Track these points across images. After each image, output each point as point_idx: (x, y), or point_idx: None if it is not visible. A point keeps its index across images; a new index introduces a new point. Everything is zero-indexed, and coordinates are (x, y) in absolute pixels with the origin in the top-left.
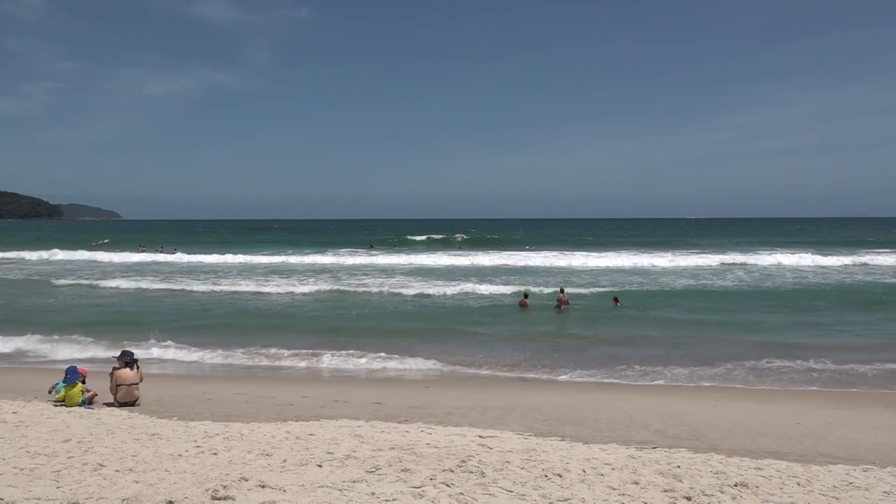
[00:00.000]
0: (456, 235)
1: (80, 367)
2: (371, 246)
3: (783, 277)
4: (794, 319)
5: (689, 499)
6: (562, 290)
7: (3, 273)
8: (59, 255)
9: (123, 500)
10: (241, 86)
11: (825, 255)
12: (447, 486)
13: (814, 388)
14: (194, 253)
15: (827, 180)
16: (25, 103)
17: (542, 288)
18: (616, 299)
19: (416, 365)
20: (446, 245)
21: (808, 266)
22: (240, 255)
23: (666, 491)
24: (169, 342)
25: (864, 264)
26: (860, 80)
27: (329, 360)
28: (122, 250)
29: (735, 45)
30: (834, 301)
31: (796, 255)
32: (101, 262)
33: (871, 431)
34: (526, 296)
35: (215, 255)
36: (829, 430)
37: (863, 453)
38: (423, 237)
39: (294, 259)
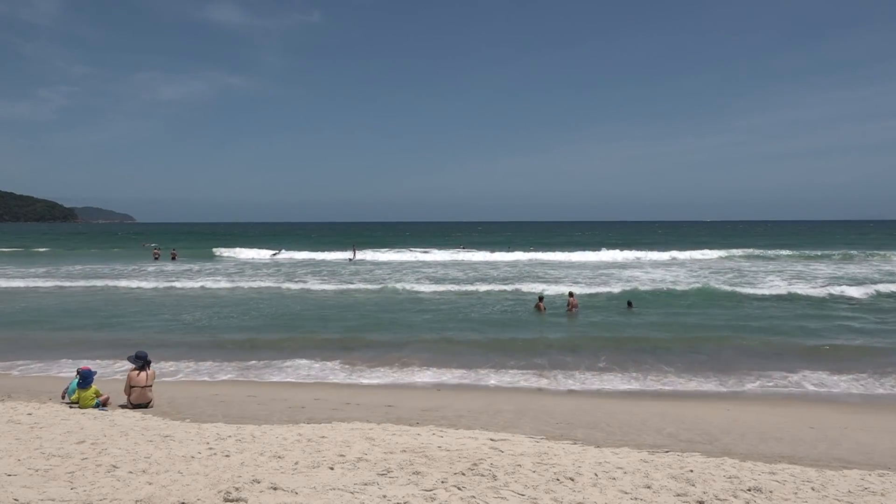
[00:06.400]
0: None
1: (82, 365)
2: None
3: None
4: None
5: (702, 503)
6: (571, 295)
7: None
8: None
9: (137, 501)
10: (254, 89)
11: None
12: (459, 489)
13: (825, 393)
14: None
15: (841, 182)
16: (41, 107)
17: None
18: (630, 303)
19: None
20: None
21: None
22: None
23: (679, 495)
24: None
25: None
26: (875, 81)
27: None
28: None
29: (750, 47)
30: None
31: None
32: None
33: (886, 436)
34: (541, 299)
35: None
36: (844, 434)
37: (878, 458)
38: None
39: None
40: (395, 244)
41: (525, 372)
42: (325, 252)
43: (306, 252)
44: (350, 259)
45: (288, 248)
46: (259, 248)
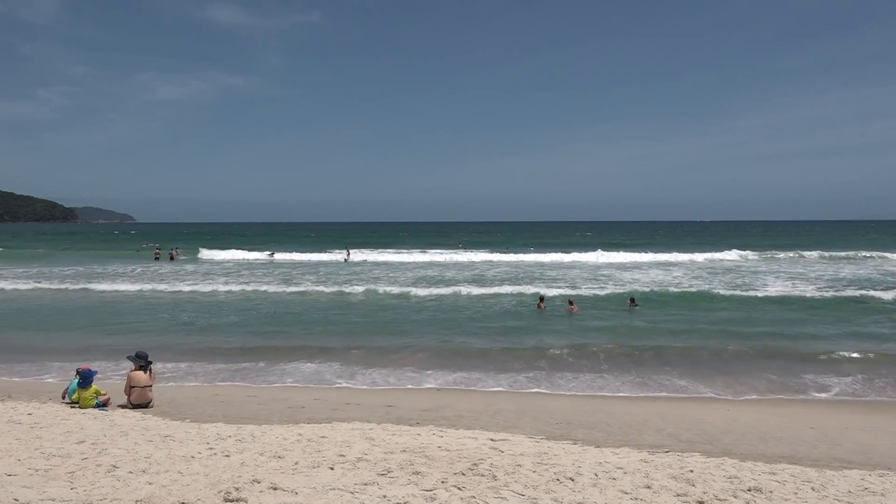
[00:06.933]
0: None
1: (82, 365)
2: None
3: None
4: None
5: (702, 503)
6: (571, 303)
7: None
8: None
9: (137, 501)
10: (254, 89)
11: None
12: (459, 489)
13: (827, 395)
14: None
15: (841, 182)
16: (40, 107)
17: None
18: (633, 300)
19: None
20: None
21: None
22: None
23: (679, 495)
24: None
25: None
26: (876, 82)
27: None
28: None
29: (748, 47)
30: None
31: None
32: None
33: (887, 436)
34: (542, 299)
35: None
36: (844, 434)
37: (879, 458)
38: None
39: None
40: (395, 244)
41: (525, 372)
42: (322, 253)
43: (303, 253)
44: (345, 259)
45: (287, 250)
46: (258, 249)
